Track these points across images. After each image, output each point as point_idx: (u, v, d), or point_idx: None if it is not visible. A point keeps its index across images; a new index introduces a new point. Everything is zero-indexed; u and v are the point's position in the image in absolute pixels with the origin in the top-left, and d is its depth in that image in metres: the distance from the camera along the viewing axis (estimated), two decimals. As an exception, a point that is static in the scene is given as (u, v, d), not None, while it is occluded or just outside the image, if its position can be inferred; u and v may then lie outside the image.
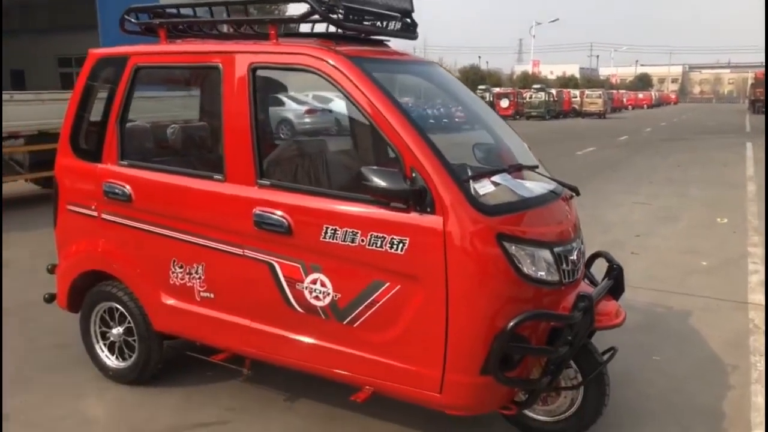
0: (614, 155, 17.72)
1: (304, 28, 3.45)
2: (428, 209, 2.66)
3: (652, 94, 72.80)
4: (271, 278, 3.04)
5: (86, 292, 3.74)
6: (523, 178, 3.17)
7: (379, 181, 2.66)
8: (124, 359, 3.69)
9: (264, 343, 3.17)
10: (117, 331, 3.67)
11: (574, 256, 2.98)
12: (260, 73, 3.11)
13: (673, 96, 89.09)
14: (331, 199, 2.93)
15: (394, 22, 3.46)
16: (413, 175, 2.68)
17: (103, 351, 3.75)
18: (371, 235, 2.76)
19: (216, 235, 3.17)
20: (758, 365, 4.14)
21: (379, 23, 3.38)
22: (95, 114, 3.61)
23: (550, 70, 76.69)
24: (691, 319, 5.02)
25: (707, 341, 4.56)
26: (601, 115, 41.08)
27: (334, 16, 3.04)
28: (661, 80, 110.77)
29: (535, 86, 41.39)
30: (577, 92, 44.20)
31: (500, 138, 3.60)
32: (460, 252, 2.62)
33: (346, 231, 2.81)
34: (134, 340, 3.60)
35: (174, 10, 3.58)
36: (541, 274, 2.76)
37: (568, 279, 2.91)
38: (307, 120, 20.10)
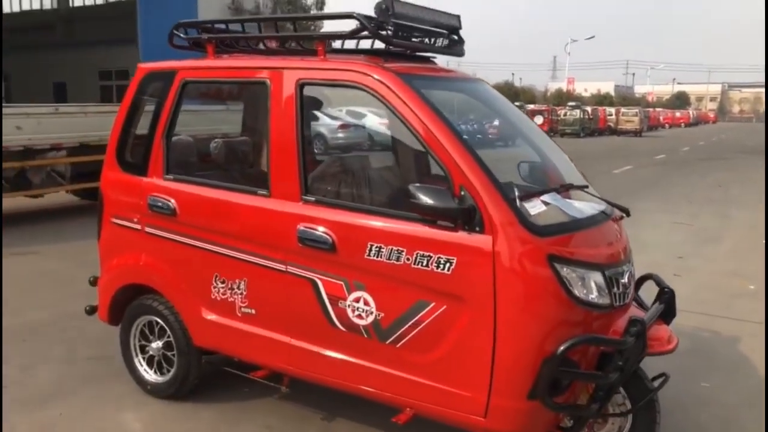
0: (652, 174, 17.42)
1: (350, 44, 3.44)
2: (477, 228, 2.60)
3: (690, 112, 71.67)
4: (314, 295, 3.00)
5: (127, 305, 3.75)
6: (572, 198, 3.09)
7: (426, 199, 2.62)
8: (162, 373, 3.68)
9: (304, 361, 3.13)
10: (156, 345, 3.67)
11: (625, 279, 2.89)
12: (308, 89, 3.10)
13: (711, 115, 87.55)
14: (376, 216, 2.89)
15: (441, 38, 3.43)
16: (462, 193, 2.63)
17: (141, 365, 3.75)
18: (417, 253, 2.71)
19: (259, 251, 3.15)
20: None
21: (426, 40, 3.34)
22: (141, 128, 3.64)
23: (585, 88, 76.05)
24: (739, 344, 4.85)
25: (756, 369, 4.39)
26: (637, 134, 40.51)
27: (384, 33, 3.02)
28: (699, 99, 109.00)
29: (570, 103, 41.04)
30: (612, 110, 43.67)
31: (547, 156, 3.52)
32: (509, 273, 2.56)
33: (391, 249, 2.77)
34: (173, 355, 3.59)
35: (222, 26, 3.60)
36: (592, 297, 2.67)
37: (618, 302, 2.82)
38: (341, 135, 20.19)
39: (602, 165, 19.03)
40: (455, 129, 2.77)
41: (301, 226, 2.99)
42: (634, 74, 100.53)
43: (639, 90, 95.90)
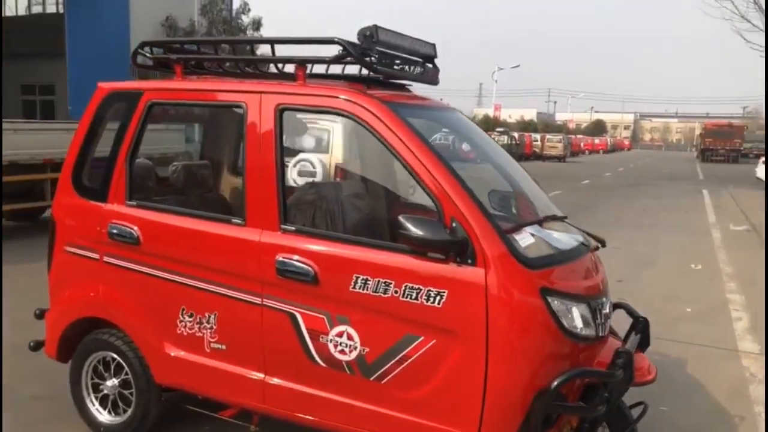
0: (581, 199, 18.00)
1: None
2: (469, 261, 2.56)
3: (608, 139, 74.98)
4: (292, 329, 2.87)
5: (79, 340, 3.49)
6: (551, 229, 3.10)
7: (418, 231, 2.55)
8: (117, 414, 3.43)
9: (279, 399, 2.98)
10: (112, 383, 3.42)
11: (606, 310, 2.92)
12: (288, 114, 3.00)
13: (626, 142, 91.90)
14: (362, 248, 2.80)
15: (416, 66, 3.40)
16: (453, 225, 2.58)
17: (94, 404, 3.49)
18: (406, 286, 2.64)
19: (232, 282, 3.00)
20: (762, 416, 4.13)
21: (405, 67, 3.31)
22: (100, 150, 3.43)
23: (509, 114, 78.35)
24: (688, 367, 5.00)
25: (709, 391, 4.54)
26: (561, 159, 41.93)
27: (368, 60, 2.96)
28: (615, 127, 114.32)
29: (498, 129, 42.13)
30: (538, 136, 45.09)
31: (519, 185, 3.53)
32: (502, 306, 2.52)
33: (379, 281, 2.68)
34: (131, 393, 3.36)
35: (194, 47, 3.45)
36: (580, 329, 2.67)
37: (601, 333, 2.83)
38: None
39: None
40: (445, 160, 2.73)
41: (279, 257, 2.87)
42: (555, 102, 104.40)
43: (560, 117, 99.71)
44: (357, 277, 2.72)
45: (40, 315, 3.67)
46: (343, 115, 2.89)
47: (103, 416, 3.46)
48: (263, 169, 2.96)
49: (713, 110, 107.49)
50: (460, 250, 2.55)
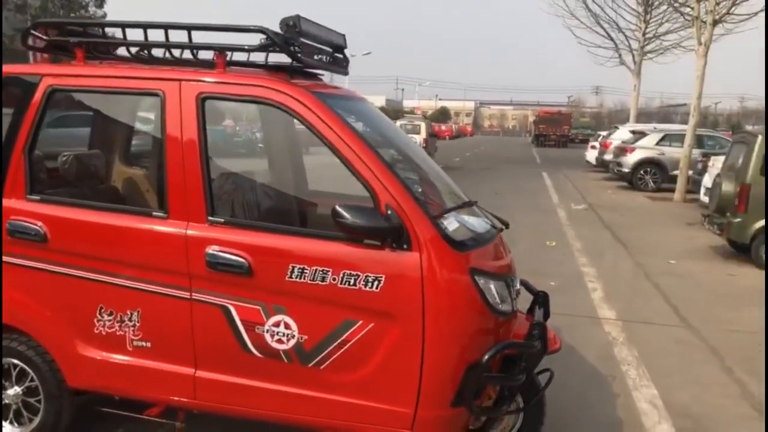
0: (437, 183, 18.80)
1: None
2: (404, 246, 2.69)
3: (452, 126, 78.44)
4: (225, 322, 2.86)
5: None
6: (464, 215, 3.31)
7: (355, 219, 2.64)
8: (21, 424, 3.20)
9: (211, 393, 2.95)
10: (14, 391, 3.18)
11: (516, 286, 3.19)
12: (209, 103, 2.94)
13: (469, 128, 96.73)
14: (296, 237, 2.85)
15: (327, 56, 3.46)
16: (389, 212, 2.70)
17: (-8, 416, 3.22)
18: (344, 273, 2.73)
19: (156, 278, 2.91)
20: (629, 373, 4.70)
21: (322, 57, 3.35)
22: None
23: (359, 100, 79.17)
24: (561, 335, 5.51)
25: (582, 354, 5.05)
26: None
27: (292, 49, 2.98)
28: (457, 113, 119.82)
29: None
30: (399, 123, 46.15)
31: (426, 174, 3.71)
32: (437, 287, 2.69)
33: (316, 270, 2.75)
34: (38, 401, 3.14)
35: (97, 30, 3.23)
36: (502, 305, 2.91)
37: (514, 308, 3.10)
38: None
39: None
40: (374, 149, 2.84)
41: (209, 250, 2.83)
42: (403, 89, 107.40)
43: (407, 104, 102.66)
44: (293, 267, 2.76)
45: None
46: (268, 104, 2.90)
47: (4, 428, 3.20)
48: (186, 160, 2.89)
49: (543, 99, 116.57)
50: (397, 235, 2.68)
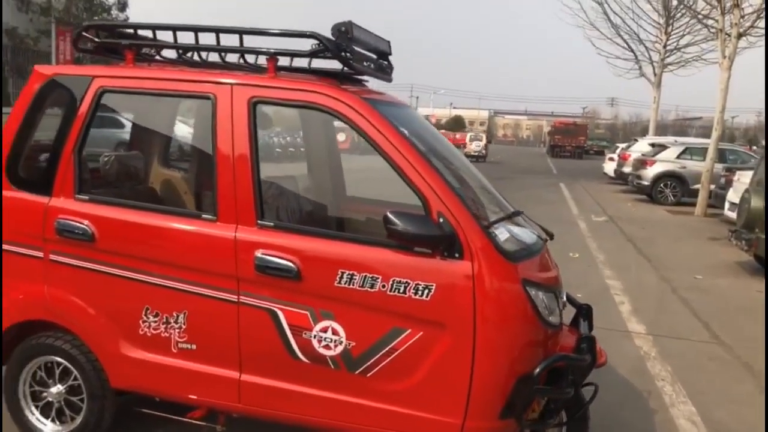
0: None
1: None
2: (456, 255, 2.67)
3: (467, 135, 78.46)
4: (273, 326, 2.84)
5: (13, 346, 3.21)
6: (512, 224, 3.28)
7: (407, 226, 2.63)
8: (63, 422, 3.20)
9: (256, 397, 2.94)
10: (57, 389, 3.18)
11: (564, 298, 3.16)
12: (261, 108, 2.94)
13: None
14: (345, 243, 2.83)
15: (372, 63, 3.46)
16: (441, 220, 2.68)
17: (33, 414, 3.22)
18: (393, 280, 2.71)
19: (204, 280, 2.91)
20: (665, 389, 4.64)
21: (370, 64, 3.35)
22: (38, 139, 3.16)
23: (374, 107, 79.27)
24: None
25: (616, 370, 4.99)
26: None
27: (344, 55, 2.98)
28: (472, 122, 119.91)
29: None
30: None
31: (467, 183, 3.69)
32: (490, 298, 2.66)
33: (365, 276, 2.73)
34: (81, 400, 3.14)
35: (149, 33, 3.24)
36: (551, 317, 2.88)
37: (562, 320, 3.07)
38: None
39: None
40: (427, 156, 2.83)
41: (258, 253, 2.82)
42: (417, 97, 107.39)
43: (422, 112, 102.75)
44: (342, 273, 2.75)
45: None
46: (320, 110, 2.89)
47: (46, 426, 3.21)
48: (238, 164, 2.89)
49: (557, 109, 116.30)
50: (449, 244, 2.66)
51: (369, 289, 2.73)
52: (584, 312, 3.46)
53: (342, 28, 2.96)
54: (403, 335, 2.74)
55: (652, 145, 20.11)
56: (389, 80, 3.63)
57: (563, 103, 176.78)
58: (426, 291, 2.68)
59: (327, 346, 2.80)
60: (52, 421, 3.22)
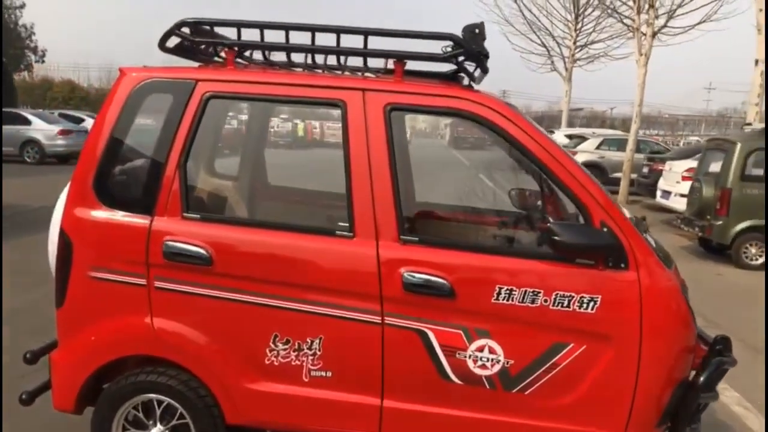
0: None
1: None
2: (621, 265, 2.61)
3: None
4: (423, 348, 2.66)
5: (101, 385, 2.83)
6: None
7: (572, 238, 2.54)
8: (163, 465, 2.86)
9: (400, 424, 2.75)
10: (157, 430, 2.84)
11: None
12: (395, 114, 2.73)
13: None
14: (500, 257, 2.69)
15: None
16: (604, 229, 2.61)
17: (129, 460, 2.86)
18: (557, 294, 2.60)
19: (342, 302, 2.67)
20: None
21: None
22: (130, 152, 2.79)
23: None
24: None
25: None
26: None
27: (481, 57, 2.83)
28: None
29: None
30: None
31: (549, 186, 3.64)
32: (657, 307, 2.62)
33: (525, 291, 2.61)
34: (186, 440, 2.82)
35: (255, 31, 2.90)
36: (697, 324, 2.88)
37: None
38: (60, 142, 17.72)
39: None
40: (577, 162, 2.74)
41: (405, 271, 2.63)
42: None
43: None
44: (500, 288, 2.61)
45: (33, 359, 2.90)
46: (464, 117, 2.73)
47: (151, 472, 2.86)
48: (375, 175, 2.67)
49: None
50: (615, 254, 2.59)
51: (529, 305, 2.61)
52: None
53: (475, 29, 2.81)
54: (565, 350, 2.64)
55: (569, 136, 20.96)
56: (478, 82, 3.50)
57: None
58: (591, 303, 2.60)
59: (483, 366, 2.66)
60: (153, 465, 2.87)
